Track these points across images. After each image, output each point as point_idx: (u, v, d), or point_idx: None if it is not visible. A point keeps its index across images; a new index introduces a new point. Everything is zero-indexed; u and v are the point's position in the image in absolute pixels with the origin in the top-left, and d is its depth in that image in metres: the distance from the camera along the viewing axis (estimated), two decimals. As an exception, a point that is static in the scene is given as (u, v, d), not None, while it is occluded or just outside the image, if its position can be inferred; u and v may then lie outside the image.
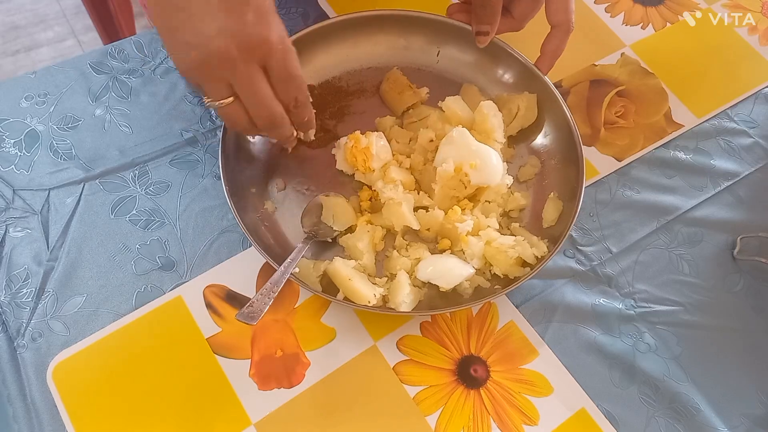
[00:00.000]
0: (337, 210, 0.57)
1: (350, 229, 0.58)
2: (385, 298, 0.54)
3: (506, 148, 0.62)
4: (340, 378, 0.53)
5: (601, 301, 0.58)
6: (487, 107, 0.59)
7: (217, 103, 0.48)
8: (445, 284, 0.54)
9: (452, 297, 0.55)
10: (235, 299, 0.55)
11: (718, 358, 0.57)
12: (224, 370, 0.52)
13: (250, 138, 0.60)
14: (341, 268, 0.53)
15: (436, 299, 0.55)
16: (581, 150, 0.58)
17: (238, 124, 0.50)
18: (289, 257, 0.53)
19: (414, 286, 0.54)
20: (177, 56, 0.46)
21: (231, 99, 0.47)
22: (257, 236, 0.54)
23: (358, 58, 0.65)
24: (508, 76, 0.64)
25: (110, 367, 0.51)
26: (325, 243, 0.57)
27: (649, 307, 0.58)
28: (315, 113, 0.55)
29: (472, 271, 0.55)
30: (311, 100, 0.52)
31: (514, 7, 0.59)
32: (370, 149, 0.58)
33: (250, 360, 0.53)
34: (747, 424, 0.54)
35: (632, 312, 0.58)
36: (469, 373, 0.54)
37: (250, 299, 0.55)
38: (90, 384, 0.51)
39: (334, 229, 0.57)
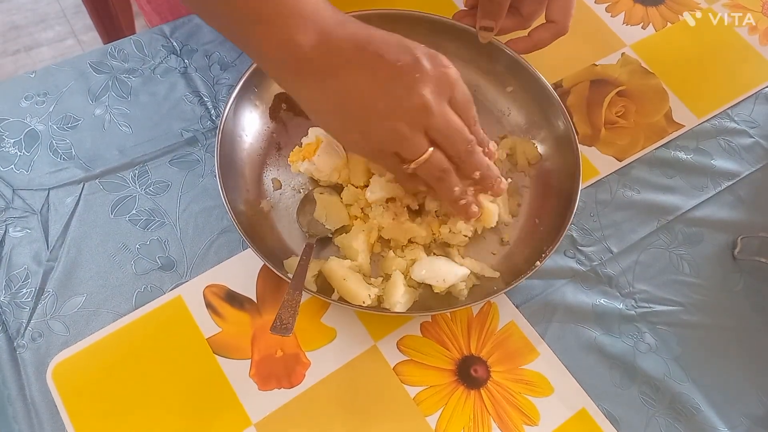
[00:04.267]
0: (331, 208, 0.57)
1: (345, 229, 0.58)
2: (380, 299, 0.53)
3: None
4: (341, 378, 0.53)
5: (601, 301, 0.58)
6: None
7: (421, 158, 0.47)
8: (441, 284, 0.54)
9: (447, 298, 0.55)
10: (235, 299, 0.55)
11: (719, 358, 0.57)
12: (224, 371, 0.52)
13: (243, 135, 0.59)
14: (336, 267, 0.53)
15: (431, 300, 0.55)
16: (578, 150, 0.58)
17: (443, 171, 0.48)
18: (300, 260, 0.52)
19: (409, 286, 0.54)
20: (367, 133, 0.46)
21: (431, 148, 0.47)
22: (255, 237, 0.54)
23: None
24: (506, 77, 0.64)
25: (110, 367, 0.51)
26: (320, 242, 0.57)
27: (650, 307, 0.58)
28: None
29: (467, 272, 0.55)
30: None
31: (522, 6, 0.60)
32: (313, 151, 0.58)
33: (250, 360, 0.53)
34: (747, 424, 0.54)
35: (633, 312, 0.58)
36: (469, 373, 0.54)
37: (251, 299, 0.55)
38: (90, 384, 0.51)
39: (326, 227, 0.57)
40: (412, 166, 0.47)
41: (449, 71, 0.46)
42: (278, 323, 0.48)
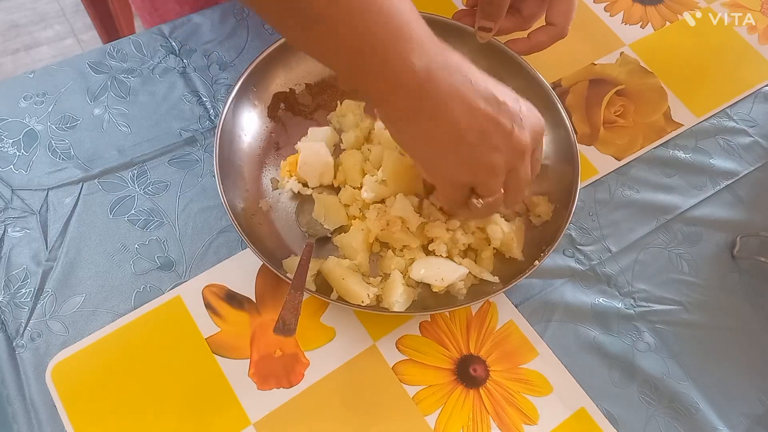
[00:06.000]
0: (329, 208, 0.57)
1: (344, 228, 0.58)
2: (378, 298, 0.54)
3: None
4: (340, 378, 0.53)
5: (600, 300, 0.58)
6: None
7: (490, 199, 0.49)
8: (439, 284, 0.54)
9: (446, 298, 0.55)
10: (234, 299, 0.55)
11: (718, 357, 0.57)
12: (223, 370, 0.52)
13: (242, 134, 0.59)
14: (335, 267, 0.53)
15: (430, 299, 0.55)
16: (577, 149, 0.58)
17: (492, 212, 0.53)
18: (300, 260, 0.52)
19: (408, 285, 0.54)
20: (467, 166, 0.47)
21: (501, 191, 0.49)
22: (254, 237, 0.54)
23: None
24: (505, 77, 0.64)
25: (109, 367, 0.51)
26: (319, 242, 0.57)
27: (649, 306, 0.58)
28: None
29: (465, 271, 0.55)
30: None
31: (523, 7, 0.60)
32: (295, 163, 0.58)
33: (249, 360, 0.53)
34: (746, 423, 0.54)
35: (632, 311, 0.58)
36: (468, 372, 0.54)
37: (250, 299, 0.55)
38: (89, 384, 0.51)
39: (325, 227, 0.57)
40: (482, 202, 0.49)
41: (543, 124, 0.49)
42: (281, 324, 0.48)
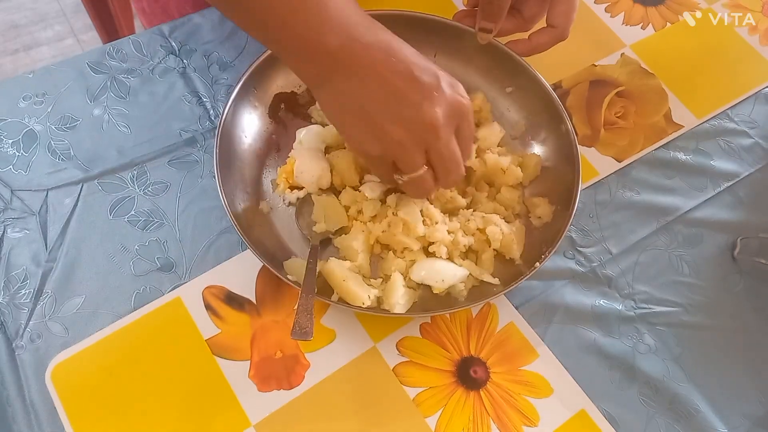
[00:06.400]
0: (329, 210, 0.57)
1: (344, 230, 0.57)
2: (379, 300, 0.53)
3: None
4: (340, 379, 0.52)
5: (601, 302, 0.58)
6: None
7: (414, 174, 0.49)
8: (440, 285, 0.54)
9: (447, 299, 0.55)
10: (234, 300, 0.55)
11: (718, 358, 0.57)
12: (223, 372, 0.52)
13: (242, 135, 0.59)
14: (336, 268, 0.53)
15: (430, 301, 0.55)
16: (577, 151, 0.58)
17: (425, 190, 0.51)
18: (308, 263, 0.52)
19: (408, 287, 0.54)
20: (373, 137, 0.48)
21: (425, 168, 0.49)
22: (254, 238, 0.54)
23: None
24: (506, 78, 0.64)
25: (109, 368, 0.51)
26: (320, 243, 0.57)
27: (649, 308, 0.58)
28: None
29: (466, 273, 0.54)
30: None
31: (524, 8, 0.60)
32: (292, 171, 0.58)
33: (249, 361, 0.53)
34: (747, 424, 0.54)
35: (632, 313, 0.58)
36: (469, 374, 0.54)
37: (251, 300, 0.55)
38: (89, 385, 0.51)
39: (326, 229, 0.57)
40: (404, 178, 0.50)
41: (465, 102, 0.48)
42: (297, 329, 0.49)
